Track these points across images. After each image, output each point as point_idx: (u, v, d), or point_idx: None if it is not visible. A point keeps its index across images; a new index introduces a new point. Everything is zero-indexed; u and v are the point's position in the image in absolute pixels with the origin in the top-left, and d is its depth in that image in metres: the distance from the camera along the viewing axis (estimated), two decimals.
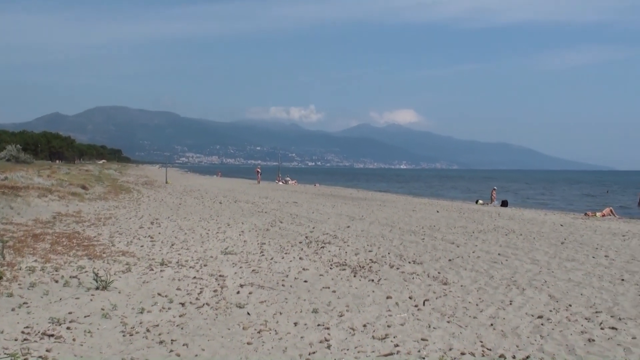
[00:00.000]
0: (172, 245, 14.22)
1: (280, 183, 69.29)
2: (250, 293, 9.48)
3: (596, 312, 8.59)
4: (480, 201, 43.17)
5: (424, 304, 8.95)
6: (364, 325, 7.74)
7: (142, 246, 13.83)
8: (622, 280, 10.99)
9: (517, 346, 6.95)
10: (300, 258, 12.97)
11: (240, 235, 16.56)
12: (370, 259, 13.02)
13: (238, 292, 9.50)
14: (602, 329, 7.71)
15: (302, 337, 7.17)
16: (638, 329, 7.71)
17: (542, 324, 7.90)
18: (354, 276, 11.10)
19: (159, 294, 9.16)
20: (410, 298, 9.37)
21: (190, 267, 11.42)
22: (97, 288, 9.21)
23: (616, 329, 7.71)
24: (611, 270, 12.08)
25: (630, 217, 31.07)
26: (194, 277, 10.50)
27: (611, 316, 8.35)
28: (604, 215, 30.84)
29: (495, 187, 45.86)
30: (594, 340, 7.19)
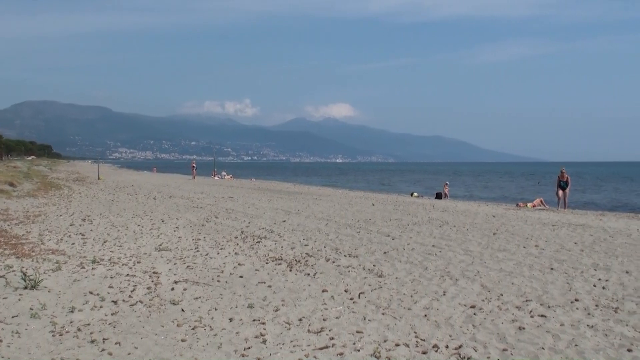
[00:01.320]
0: (105, 242, 13.95)
1: (216, 178, 68.78)
2: (184, 289, 9.37)
3: (526, 300, 8.80)
4: (415, 194, 43.73)
5: (359, 297, 9.01)
6: (300, 319, 7.74)
7: (73, 244, 13.54)
8: (552, 269, 11.28)
9: (450, 336, 7.06)
10: (235, 253, 12.90)
11: (174, 231, 16.37)
12: (306, 253, 13.04)
13: (172, 289, 9.38)
14: (532, 316, 7.90)
15: (237, 333, 7.13)
16: (566, 316, 7.92)
17: (474, 314, 8.04)
18: (290, 270, 11.10)
19: (91, 293, 8.97)
20: (345, 291, 9.42)
21: (123, 265, 11.22)
22: (25, 287, 8.97)
23: (545, 316, 7.90)
24: (541, 259, 12.38)
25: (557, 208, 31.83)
26: (127, 275, 10.33)
27: (540, 304, 8.56)
28: (534, 206, 31.60)
29: (447, 182, 46.45)
30: (524, 328, 7.36)
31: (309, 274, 10.74)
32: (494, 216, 22.64)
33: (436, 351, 6.49)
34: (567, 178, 28.54)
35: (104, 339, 6.80)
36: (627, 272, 10.83)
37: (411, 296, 9.07)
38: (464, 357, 6.29)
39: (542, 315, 7.93)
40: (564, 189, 28.45)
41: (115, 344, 6.65)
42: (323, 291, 9.40)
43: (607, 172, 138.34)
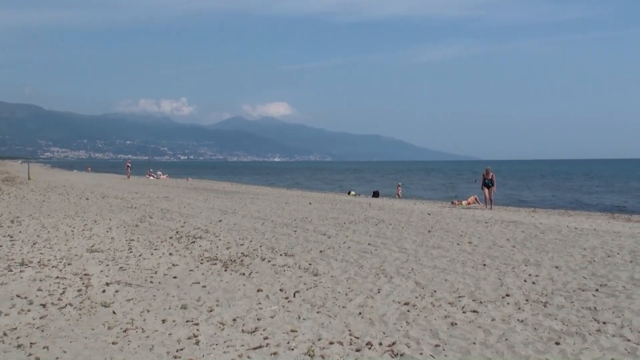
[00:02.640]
0: (34, 244, 13.57)
1: (151, 178, 67.80)
2: (116, 291, 9.19)
3: (459, 296, 8.92)
4: (353, 192, 43.98)
5: (294, 296, 8.99)
6: (234, 320, 7.67)
7: (0, 246, 13.12)
8: (484, 265, 11.46)
9: (384, 333, 7.10)
10: (170, 254, 12.72)
11: (107, 232, 16.03)
12: (241, 253, 12.95)
13: (104, 291, 9.18)
14: (464, 312, 8.01)
15: (170, 334, 7.02)
16: (497, 311, 8.06)
17: (408, 311, 8.11)
18: (225, 270, 11.00)
19: (18, 296, 8.71)
20: (281, 290, 9.38)
21: (53, 267, 10.93)
22: None
23: (477, 312, 8.02)
24: (474, 256, 12.57)
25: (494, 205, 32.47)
26: (57, 277, 10.06)
27: (473, 300, 8.69)
28: (469, 204, 32.15)
29: (400, 183, 46.71)
30: (456, 324, 7.45)
31: (244, 274, 10.66)
32: (429, 214, 22.92)
33: (370, 348, 6.52)
34: (492, 176, 28.77)
35: (31, 343, 6.61)
36: (556, 267, 11.08)
37: (346, 294, 9.10)
38: (397, 354, 6.33)
39: (474, 311, 8.05)
40: (489, 187, 28.66)
41: (43, 348, 6.47)
42: (258, 291, 9.34)
43: (545, 169, 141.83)
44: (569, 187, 61.90)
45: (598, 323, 7.38)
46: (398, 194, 41.70)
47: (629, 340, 6.66)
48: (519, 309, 8.16)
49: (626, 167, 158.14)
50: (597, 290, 9.18)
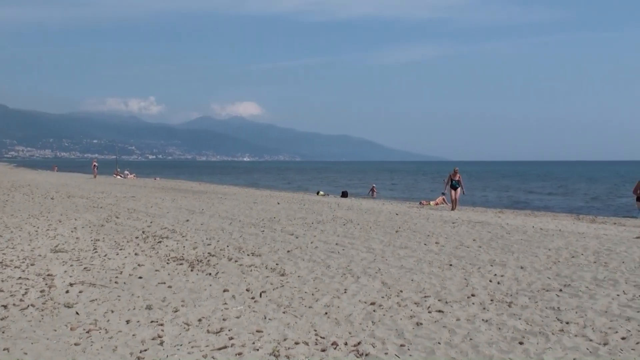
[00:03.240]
0: None
1: (119, 177, 67.20)
2: (80, 292, 9.06)
3: (425, 296, 8.95)
4: (321, 192, 44.01)
5: (260, 296, 8.95)
6: (199, 320, 7.62)
7: None
8: (450, 265, 11.53)
9: (350, 333, 7.10)
10: (135, 254, 12.60)
11: (72, 232, 15.83)
12: (208, 253, 12.87)
13: (67, 292, 9.06)
14: (429, 312, 8.04)
15: (134, 335, 6.94)
16: (462, 311, 8.10)
17: (374, 311, 8.12)
18: (192, 270, 10.92)
19: None
20: (247, 290, 9.34)
21: (15, 267, 10.74)
22: None
23: (443, 312, 8.06)
24: (441, 256, 12.64)
25: (461, 206, 32.70)
26: (19, 278, 9.89)
27: (439, 300, 8.73)
28: (437, 204, 32.40)
29: (374, 184, 46.78)
30: (422, 323, 7.48)
31: (210, 274, 10.59)
32: (397, 214, 23.01)
33: (335, 348, 6.51)
34: (460, 177, 28.18)
35: None
36: (521, 268, 11.18)
37: (312, 294, 9.08)
38: (362, 354, 6.33)
39: (439, 311, 8.09)
40: (455, 189, 28.04)
41: (3, 350, 6.35)
42: (224, 291, 9.29)
43: (510, 170, 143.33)
44: (513, 187, 62.81)
45: (561, 323, 7.45)
46: (373, 195, 41.84)
47: (591, 340, 6.74)
48: (484, 309, 8.21)
49: (588, 169, 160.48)
50: (560, 290, 9.27)
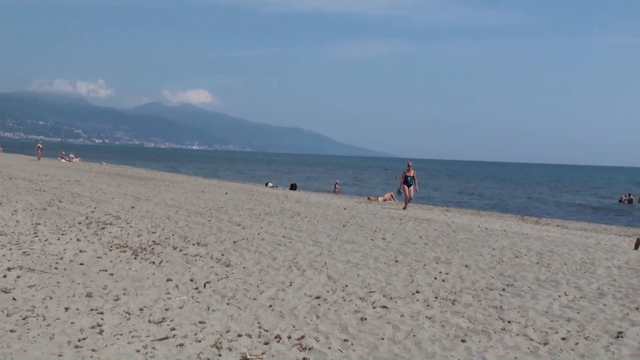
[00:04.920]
0: None
1: (63, 160, 65.77)
2: (18, 277, 8.81)
3: (370, 291, 8.96)
4: (270, 184, 43.85)
5: (204, 286, 8.84)
6: (141, 309, 7.48)
7: None
8: (396, 261, 11.58)
9: (294, 326, 7.06)
10: (77, 239, 12.33)
11: (12, 214, 15.41)
12: (153, 241, 12.68)
13: (4, 276, 8.80)
14: (374, 307, 8.05)
15: (72, 323, 6.77)
16: (406, 307, 8.13)
17: (319, 304, 8.09)
18: (135, 258, 10.74)
19: None
20: (191, 280, 9.22)
21: None
22: None
23: (387, 307, 8.07)
24: (387, 252, 12.69)
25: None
26: None
27: (383, 295, 8.75)
28: (385, 200, 32.57)
29: (337, 181, 46.67)
30: (366, 319, 7.48)
31: (154, 263, 10.44)
32: (345, 209, 23.05)
33: (278, 342, 6.46)
34: (414, 174, 26.64)
35: None
36: (466, 266, 11.29)
37: (258, 286, 9.01)
38: (306, 348, 6.29)
39: (384, 307, 8.10)
40: (409, 185, 26.38)
41: None
42: (168, 280, 9.15)
43: (454, 170, 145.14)
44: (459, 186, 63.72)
45: (503, 322, 7.54)
46: (335, 190, 41.81)
47: (532, 340, 6.82)
48: (428, 305, 8.26)
49: (536, 172, 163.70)
50: (503, 289, 9.39)
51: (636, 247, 14.92)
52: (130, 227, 14.52)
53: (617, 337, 7.01)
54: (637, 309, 8.39)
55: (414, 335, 6.85)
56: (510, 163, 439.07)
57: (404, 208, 26.35)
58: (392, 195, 33.51)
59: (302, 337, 6.66)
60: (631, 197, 47.14)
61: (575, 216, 34.26)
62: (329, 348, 6.33)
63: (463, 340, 6.74)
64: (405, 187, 26.41)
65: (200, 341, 6.38)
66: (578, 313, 8.06)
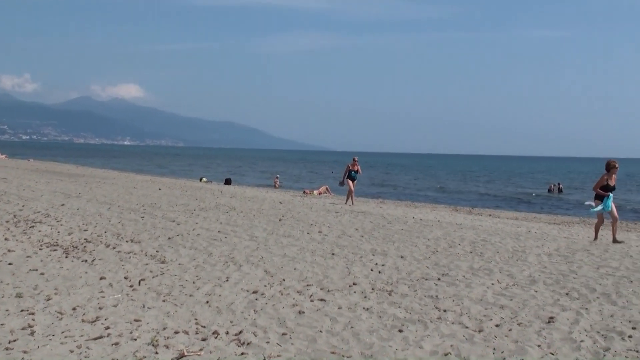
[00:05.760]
0: None
1: None
2: None
3: (307, 285, 8.96)
4: (205, 179, 43.48)
5: (139, 284, 8.69)
6: (74, 309, 7.30)
7: None
8: (333, 254, 11.61)
9: (231, 322, 7.00)
10: (5, 239, 11.95)
11: None
12: (85, 239, 12.40)
13: None
14: (312, 301, 8.05)
15: (2, 325, 6.57)
16: (344, 299, 8.16)
17: (256, 299, 8.05)
18: (66, 257, 10.48)
19: None
20: (125, 278, 9.05)
21: None
22: None
23: (325, 300, 8.09)
24: (323, 245, 12.72)
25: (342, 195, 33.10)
26: None
27: (321, 288, 8.76)
28: (320, 193, 32.69)
29: (278, 175, 46.33)
30: (304, 312, 7.47)
31: (86, 261, 10.20)
32: (280, 202, 23.01)
33: (216, 338, 6.40)
34: (359, 168, 25.27)
35: None
36: (402, 257, 11.41)
37: (194, 282, 8.91)
38: (244, 343, 6.25)
39: (321, 299, 8.12)
40: (354, 180, 24.93)
41: None
42: (101, 278, 8.96)
43: (381, 162, 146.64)
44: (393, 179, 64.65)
45: (439, 311, 7.64)
46: (276, 185, 41.64)
47: (467, 328, 6.94)
48: (365, 297, 8.31)
49: (465, 163, 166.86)
50: (439, 279, 9.52)
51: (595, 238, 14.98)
52: (61, 225, 14.17)
53: (549, 322, 7.19)
54: (567, 294, 8.64)
55: (351, 327, 6.89)
56: (440, 155, 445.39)
57: (346, 203, 24.91)
58: (327, 189, 33.66)
59: (240, 332, 6.62)
60: (560, 186, 48.56)
61: (487, 204, 35.14)
62: (267, 342, 6.30)
63: (400, 330, 6.81)
64: (349, 181, 24.88)
65: (135, 339, 6.26)
66: (511, 300, 8.24)
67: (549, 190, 47.95)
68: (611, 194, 14.32)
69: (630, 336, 6.68)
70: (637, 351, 6.22)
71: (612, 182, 14.42)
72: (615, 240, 14.58)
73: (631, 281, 9.58)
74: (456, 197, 41.41)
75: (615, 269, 10.60)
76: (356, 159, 25.32)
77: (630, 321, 7.27)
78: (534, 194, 44.97)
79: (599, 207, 14.35)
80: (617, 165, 14.49)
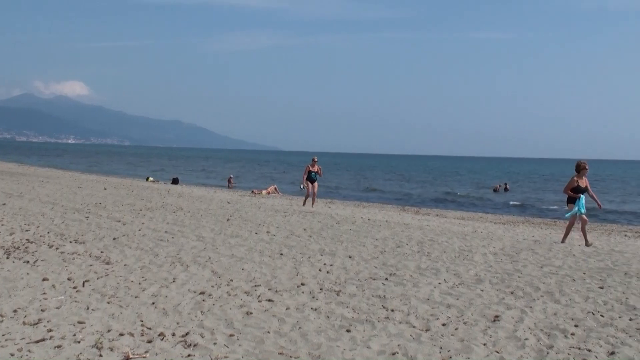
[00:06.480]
0: None
1: None
2: None
3: (255, 285, 8.91)
4: (151, 178, 42.97)
5: (83, 285, 8.52)
6: (15, 311, 7.11)
7: None
8: (281, 254, 11.58)
9: (178, 323, 6.91)
10: None
11: None
12: (26, 239, 12.10)
13: None
14: (259, 301, 8.00)
15: None
16: (292, 299, 8.14)
17: (203, 300, 7.96)
18: (7, 258, 10.21)
19: None
20: (69, 279, 8.86)
21: None
22: None
23: (273, 301, 8.05)
24: (272, 245, 12.67)
25: (292, 196, 33.07)
26: None
27: (269, 289, 8.72)
28: (269, 193, 32.63)
29: (232, 175, 45.85)
30: (251, 313, 7.42)
31: (28, 262, 9.96)
32: (228, 202, 22.87)
33: (162, 339, 6.30)
34: (319, 169, 23.97)
35: None
36: (350, 257, 11.44)
37: (140, 283, 8.77)
38: (191, 345, 6.17)
39: (269, 300, 8.07)
40: (314, 181, 23.70)
41: None
42: (43, 280, 8.75)
43: (347, 162, 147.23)
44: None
45: (387, 310, 7.68)
46: (230, 185, 41.29)
47: (414, 327, 6.99)
48: (313, 297, 8.30)
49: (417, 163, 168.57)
50: (386, 279, 9.57)
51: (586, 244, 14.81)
52: (2, 225, 13.82)
53: (494, 320, 7.29)
54: (512, 293, 8.78)
55: (299, 328, 6.87)
56: (383, 155, 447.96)
57: (304, 205, 23.94)
58: (275, 188, 33.63)
59: (187, 333, 6.53)
60: (507, 185, 49.54)
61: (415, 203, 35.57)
62: (215, 344, 6.24)
63: (348, 330, 6.82)
64: (309, 183, 23.76)
65: (79, 342, 6.13)
66: (457, 299, 8.33)
67: (495, 190, 48.81)
68: (582, 196, 14.45)
69: (572, 334, 6.82)
70: (580, 348, 6.34)
71: (582, 184, 14.53)
72: (587, 244, 14.67)
73: (574, 280, 9.80)
74: (386, 197, 41.72)
75: (558, 268, 10.84)
76: (315, 159, 23.90)
77: (572, 319, 7.43)
78: (458, 194, 45.98)
79: (574, 210, 14.51)
80: (587, 167, 14.60)
